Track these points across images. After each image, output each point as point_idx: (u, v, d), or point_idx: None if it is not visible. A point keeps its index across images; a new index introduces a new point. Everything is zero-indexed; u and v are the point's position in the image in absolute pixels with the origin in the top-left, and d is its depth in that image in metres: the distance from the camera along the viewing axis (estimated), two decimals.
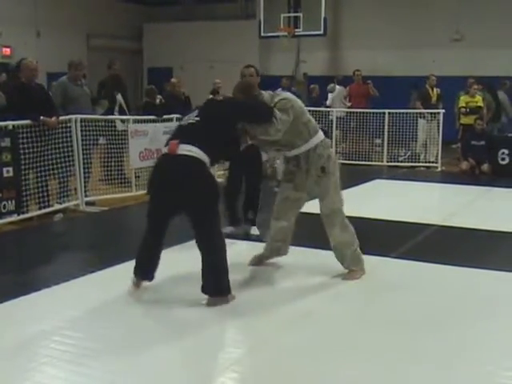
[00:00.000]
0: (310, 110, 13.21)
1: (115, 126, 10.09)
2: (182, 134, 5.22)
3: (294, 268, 6.07)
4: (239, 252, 6.96)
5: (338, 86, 16.22)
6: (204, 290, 5.20)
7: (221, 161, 6.22)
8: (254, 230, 7.58)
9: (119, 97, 11.12)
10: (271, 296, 5.48)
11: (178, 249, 6.84)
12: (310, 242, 6.74)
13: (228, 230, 7.30)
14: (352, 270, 5.89)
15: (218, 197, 5.20)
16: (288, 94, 5.76)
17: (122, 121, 10.36)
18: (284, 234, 6.02)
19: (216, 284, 5.20)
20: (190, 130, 5.23)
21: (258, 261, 6.20)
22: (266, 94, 5.60)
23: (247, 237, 7.48)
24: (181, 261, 6.39)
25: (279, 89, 14.34)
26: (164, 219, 5.33)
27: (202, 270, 5.21)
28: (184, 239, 7.19)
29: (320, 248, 6.40)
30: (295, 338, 4.64)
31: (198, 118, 5.27)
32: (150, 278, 5.50)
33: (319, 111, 14.62)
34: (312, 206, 5.97)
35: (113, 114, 10.68)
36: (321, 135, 5.74)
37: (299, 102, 5.70)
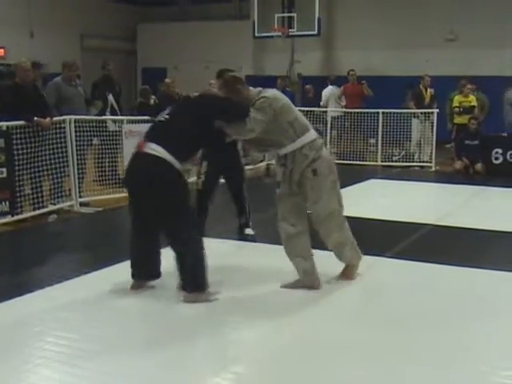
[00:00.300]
0: (304, 111, 13.25)
1: (106, 127, 10.08)
2: (152, 132, 5.30)
3: (291, 268, 6.06)
4: (235, 252, 6.98)
5: (331, 86, 16.24)
6: (182, 287, 5.23)
7: (195, 158, 6.10)
8: (249, 231, 7.60)
9: (110, 97, 11.11)
10: (267, 296, 5.48)
11: None
12: None
13: None
14: (348, 268, 5.82)
15: (181, 195, 5.17)
16: (272, 92, 5.51)
17: (114, 121, 10.34)
18: (294, 243, 5.60)
19: (193, 280, 5.22)
20: (159, 128, 5.33)
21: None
22: (254, 91, 5.50)
23: (243, 237, 7.51)
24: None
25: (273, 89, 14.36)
26: (141, 217, 5.33)
27: (179, 269, 5.22)
28: None
29: (317, 248, 6.42)
30: (291, 338, 4.65)
31: (167, 116, 5.32)
32: (153, 276, 5.54)
33: (313, 111, 14.63)
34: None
35: (105, 115, 10.67)
36: (311, 135, 5.50)
37: (285, 100, 5.49)
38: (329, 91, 16.02)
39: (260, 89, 5.54)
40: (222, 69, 7.33)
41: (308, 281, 5.61)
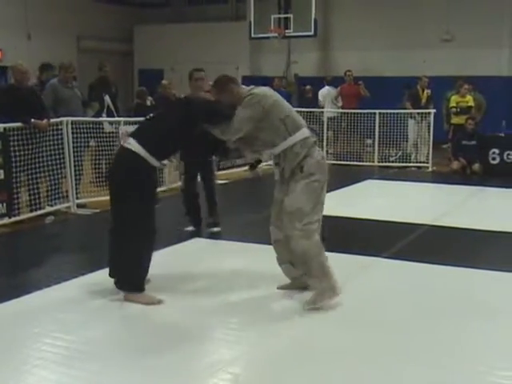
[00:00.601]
0: (300, 111, 13.22)
1: (103, 128, 10.08)
2: (136, 130, 5.55)
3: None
4: (231, 253, 6.98)
5: (327, 86, 16.27)
6: (117, 284, 5.31)
7: (172, 156, 6.13)
8: (216, 229, 7.78)
9: (107, 98, 11.12)
10: (264, 297, 5.46)
11: (171, 250, 6.86)
12: None
13: (189, 228, 7.74)
14: (319, 293, 5.24)
15: (143, 188, 5.22)
16: (262, 89, 5.37)
17: (110, 123, 10.34)
18: (281, 249, 5.46)
19: (127, 278, 5.28)
20: (143, 126, 5.57)
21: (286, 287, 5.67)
22: (245, 89, 5.41)
23: (238, 238, 7.56)
24: (173, 262, 6.39)
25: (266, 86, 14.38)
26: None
27: (119, 262, 5.30)
28: (177, 240, 7.22)
29: None
30: (288, 339, 4.65)
31: (153, 115, 5.54)
32: None
33: (311, 112, 14.67)
34: None
35: (102, 117, 10.67)
36: (303, 133, 5.29)
37: (276, 97, 5.36)
38: (325, 92, 16.05)
39: (252, 87, 5.47)
40: (191, 70, 7.56)
41: (303, 283, 5.55)
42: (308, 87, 16.47)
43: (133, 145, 5.19)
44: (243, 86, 5.50)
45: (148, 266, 5.32)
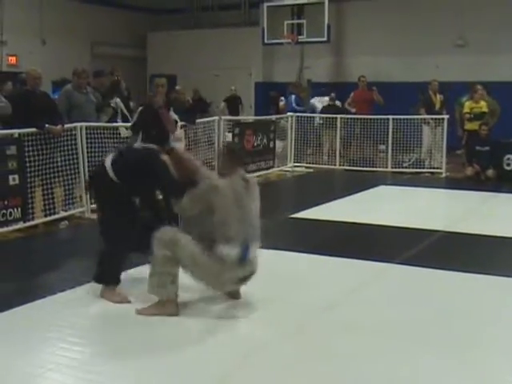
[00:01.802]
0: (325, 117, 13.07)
1: (119, 133, 10.10)
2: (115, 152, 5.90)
3: (285, 273, 6.05)
4: None
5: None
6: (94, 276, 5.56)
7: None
8: None
9: (119, 102, 11.12)
10: (264, 304, 5.40)
11: None
12: (301, 246, 6.79)
13: None
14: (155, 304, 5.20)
15: (108, 203, 5.52)
16: (219, 182, 5.16)
17: (126, 127, 10.36)
18: None
19: (101, 271, 5.51)
20: (118, 155, 5.75)
21: None
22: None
23: None
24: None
25: (293, 96, 14.57)
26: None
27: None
28: None
29: (312, 253, 6.45)
30: (293, 345, 4.65)
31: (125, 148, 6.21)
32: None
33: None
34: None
35: (117, 121, 10.69)
36: (227, 250, 5.03)
37: (226, 196, 5.07)
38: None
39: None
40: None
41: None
42: (332, 95, 16.41)
43: (106, 161, 5.50)
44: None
45: (121, 265, 5.53)
